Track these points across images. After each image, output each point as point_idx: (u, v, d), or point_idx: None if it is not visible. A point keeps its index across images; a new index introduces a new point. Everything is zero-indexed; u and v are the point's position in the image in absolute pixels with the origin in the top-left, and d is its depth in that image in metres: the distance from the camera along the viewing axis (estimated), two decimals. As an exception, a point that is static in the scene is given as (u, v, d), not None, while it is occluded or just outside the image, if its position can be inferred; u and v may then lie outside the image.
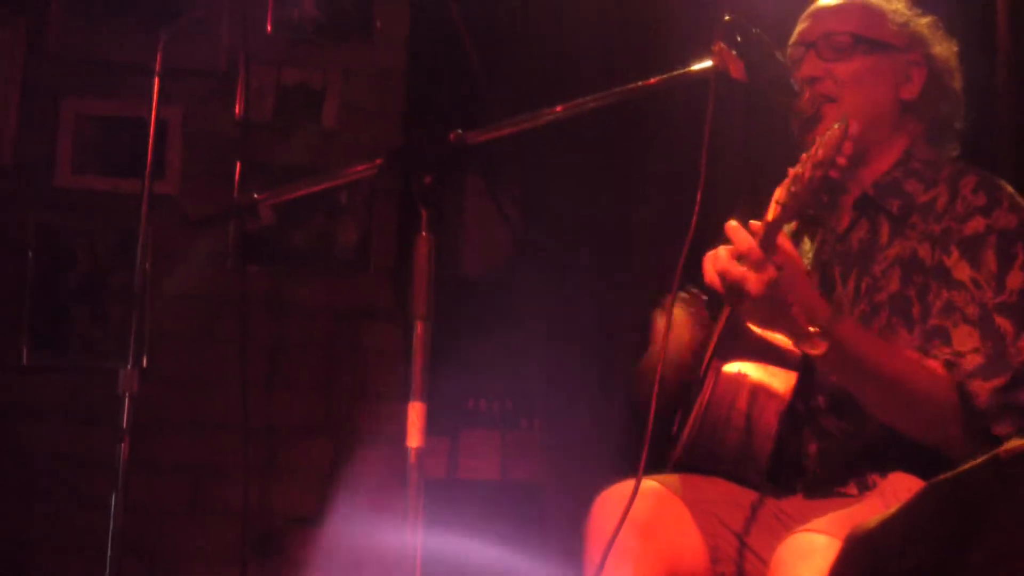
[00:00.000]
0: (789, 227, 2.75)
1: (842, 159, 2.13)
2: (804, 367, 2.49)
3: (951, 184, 2.50)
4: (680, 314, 2.82)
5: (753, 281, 2.16)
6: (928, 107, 2.63)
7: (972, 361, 2.30)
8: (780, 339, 2.49)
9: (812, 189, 2.13)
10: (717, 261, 2.23)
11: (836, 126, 2.13)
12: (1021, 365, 2.29)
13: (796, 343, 2.30)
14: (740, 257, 2.18)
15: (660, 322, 2.76)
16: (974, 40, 3.17)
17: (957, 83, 2.67)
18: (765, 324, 2.40)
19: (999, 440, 2.27)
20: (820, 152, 2.12)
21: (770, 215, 2.17)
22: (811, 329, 2.23)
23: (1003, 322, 2.32)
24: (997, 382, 2.28)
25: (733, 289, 2.20)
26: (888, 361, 2.30)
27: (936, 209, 2.49)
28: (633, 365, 2.91)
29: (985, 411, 2.28)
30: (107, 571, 3.18)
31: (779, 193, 2.16)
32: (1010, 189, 2.48)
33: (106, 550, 3.13)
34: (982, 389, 2.28)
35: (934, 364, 2.33)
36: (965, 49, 2.72)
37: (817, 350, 2.24)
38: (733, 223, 2.22)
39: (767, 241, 2.16)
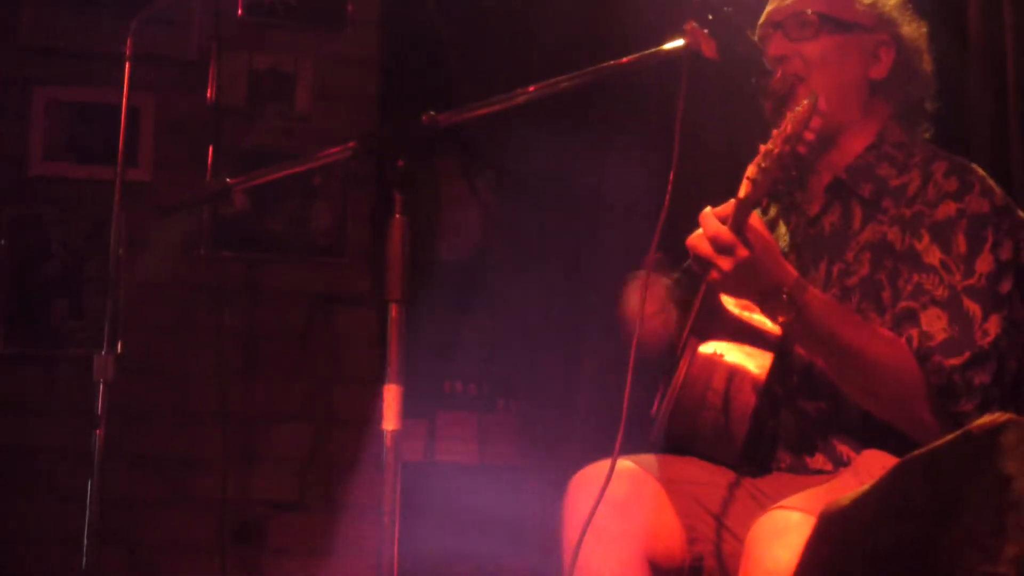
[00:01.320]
0: (768, 215, 2.77)
1: (810, 134, 2.15)
2: (780, 347, 2.50)
3: (923, 168, 2.51)
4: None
5: (722, 261, 2.20)
6: (897, 88, 2.63)
7: (936, 338, 2.31)
8: (756, 319, 2.50)
9: (782, 164, 2.14)
10: (691, 239, 2.26)
11: (805, 101, 2.15)
12: (988, 346, 2.30)
13: (763, 310, 2.33)
14: (711, 240, 2.20)
15: (632, 299, 2.78)
16: (945, 22, 3.18)
17: (927, 64, 2.67)
18: (735, 294, 2.43)
19: (964, 419, 2.28)
20: (789, 127, 2.13)
21: (741, 192, 2.19)
22: (782, 296, 2.25)
23: (971, 305, 2.32)
24: (956, 360, 2.29)
25: (704, 265, 2.24)
26: (855, 331, 2.32)
27: (908, 194, 2.49)
28: (609, 354, 2.92)
29: (944, 387, 2.29)
30: (84, 561, 3.18)
31: (750, 170, 2.17)
32: (981, 173, 2.48)
33: (83, 540, 3.12)
34: (942, 366, 2.29)
35: (903, 341, 2.34)
36: (936, 31, 2.72)
37: (783, 316, 2.27)
38: (706, 210, 2.24)
39: (738, 221, 2.19)
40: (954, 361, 2.29)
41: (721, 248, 2.19)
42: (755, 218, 2.23)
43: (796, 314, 2.26)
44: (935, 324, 2.32)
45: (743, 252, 2.19)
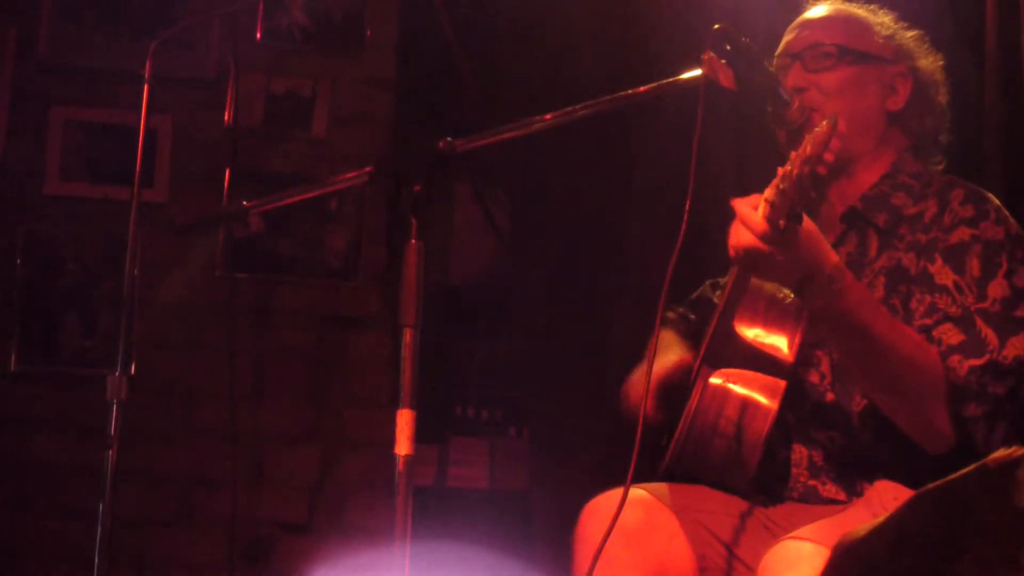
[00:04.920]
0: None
1: (830, 155, 2.14)
2: (793, 375, 2.50)
3: (940, 197, 2.52)
4: (668, 335, 2.86)
5: (774, 252, 2.18)
6: (914, 120, 2.65)
7: (955, 338, 2.32)
8: (769, 345, 2.50)
9: (801, 186, 2.13)
10: (737, 237, 2.23)
11: (824, 123, 2.14)
12: (1008, 364, 2.30)
13: (802, 294, 2.29)
14: (761, 236, 2.17)
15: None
16: (963, 53, 3.18)
17: (942, 97, 2.69)
18: (780, 283, 2.42)
19: (971, 425, 2.30)
20: (808, 148, 2.12)
21: (760, 214, 2.17)
22: (823, 278, 2.23)
23: (985, 328, 2.33)
24: (976, 361, 2.30)
25: (753, 258, 2.21)
26: (888, 324, 2.31)
27: (924, 220, 2.51)
28: (623, 379, 2.92)
29: (958, 387, 2.30)
30: (95, 580, 3.17)
31: (768, 192, 2.16)
32: (997, 202, 2.50)
33: (93, 560, 3.12)
34: (961, 363, 2.31)
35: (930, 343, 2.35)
36: (954, 62, 2.73)
37: (821, 299, 2.25)
38: (740, 204, 2.22)
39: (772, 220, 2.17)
40: (974, 362, 2.30)
41: (771, 241, 2.18)
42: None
43: (834, 297, 2.25)
44: (948, 334, 2.33)
45: (783, 245, 2.17)
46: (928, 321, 2.38)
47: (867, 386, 2.41)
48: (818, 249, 2.25)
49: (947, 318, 2.36)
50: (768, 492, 2.56)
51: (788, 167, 2.15)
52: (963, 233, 2.44)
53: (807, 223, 2.22)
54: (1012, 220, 2.48)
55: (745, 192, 2.25)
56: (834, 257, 2.27)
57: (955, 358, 2.31)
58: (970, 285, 2.38)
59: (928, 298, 2.40)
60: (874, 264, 2.53)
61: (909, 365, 2.30)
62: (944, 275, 2.41)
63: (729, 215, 2.27)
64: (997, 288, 2.37)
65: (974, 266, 2.40)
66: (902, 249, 2.50)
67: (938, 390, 2.31)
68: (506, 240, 4.91)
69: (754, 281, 2.53)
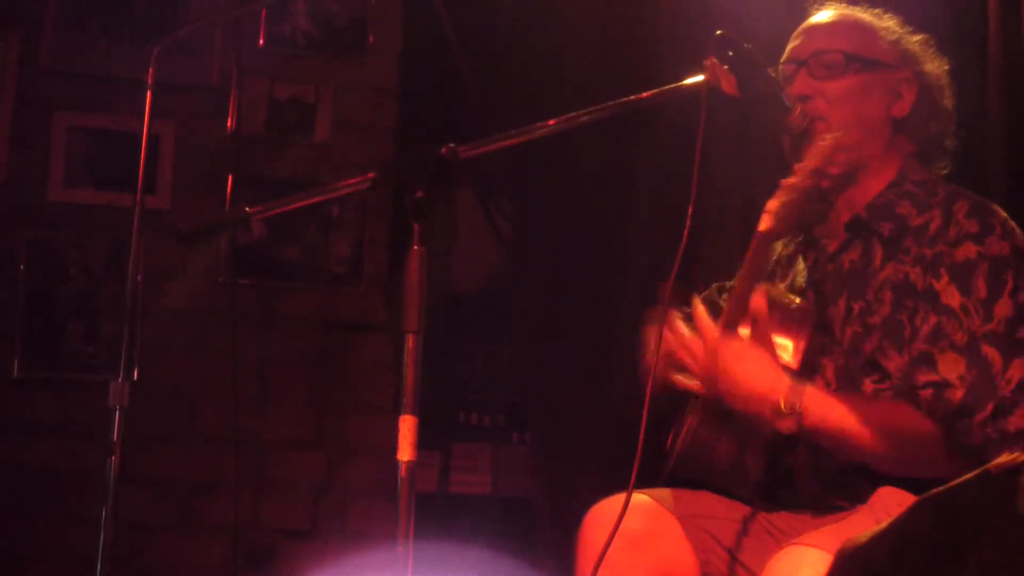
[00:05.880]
0: (785, 250, 2.76)
1: (834, 168, 2.14)
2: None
3: (945, 208, 2.49)
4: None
5: (700, 372, 2.21)
6: (919, 125, 2.62)
7: (957, 395, 2.30)
8: (775, 352, 2.50)
9: (804, 199, 2.13)
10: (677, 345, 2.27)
11: (830, 136, 2.14)
12: (1010, 393, 2.29)
13: (760, 420, 2.33)
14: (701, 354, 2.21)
15: (651, 337, 2.77)
16: (966, 56, 3.18)
17: (948, 101, 2.67)
18: (727, 402, 2.42)
19: (996, 454, 2.27)
20: (813, 162, 2.12)
21: (762, 225, 2.17)
22: (779, 406, 2.27)
23: (990, 351, 2.31)
24: (983, 414, 2.28)
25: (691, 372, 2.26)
26: (861, 417, 2.31)
27: (929, 233, 2.48)
28: (626, 384, 2.92)
29: (979, 445, 2.28)
30: (97, 585, 3.17)
31: (771, 204, 2.16)
32: (1003, 215, 2.47)
33: (96, 565, 3.12)
34: (972, 425, 2.28)
35: (912, 407, 2.35)
36: (957, 68, 2.72)
37: (786, 425, 2.28)
38: (699, 305, 2.26)
39: (731, 318, 2.19)
40: (983, 415, 2.28)
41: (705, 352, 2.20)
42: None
43: (797, 420, 2.29)
44: (953, 371, 2.31)
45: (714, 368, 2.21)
46: (933, 349, 2.36)
47: (873, 468, 2.41)
48: (765, 373, 2.29)
49: (952, 347, 2.34)
50: (771, 498, 2.56)
51: (792, 179, 2.15)
52: (969, 250, 2.41)
53: (749, 348, 2.23)
54: (1018, 232, 2.45)
55: (747, 195, 2.25)
56: (786, 380, 2.30)
57: (964, 422, 2.29)
58: (976, 307, 2.35)
59: (933, 319, 2.38)
60: (879, 275, 2.52)
61: (899, 440, 2.32)
62: (950, 295, 2.38)
63: (731, 219, 2.27)
64: (1002, 308, 2.35)
65: (980, 286, 2.37)
66: (908, 263, 2.47)
67: (941, 451, 2.31)
68: (508, 245, 4.91)
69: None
